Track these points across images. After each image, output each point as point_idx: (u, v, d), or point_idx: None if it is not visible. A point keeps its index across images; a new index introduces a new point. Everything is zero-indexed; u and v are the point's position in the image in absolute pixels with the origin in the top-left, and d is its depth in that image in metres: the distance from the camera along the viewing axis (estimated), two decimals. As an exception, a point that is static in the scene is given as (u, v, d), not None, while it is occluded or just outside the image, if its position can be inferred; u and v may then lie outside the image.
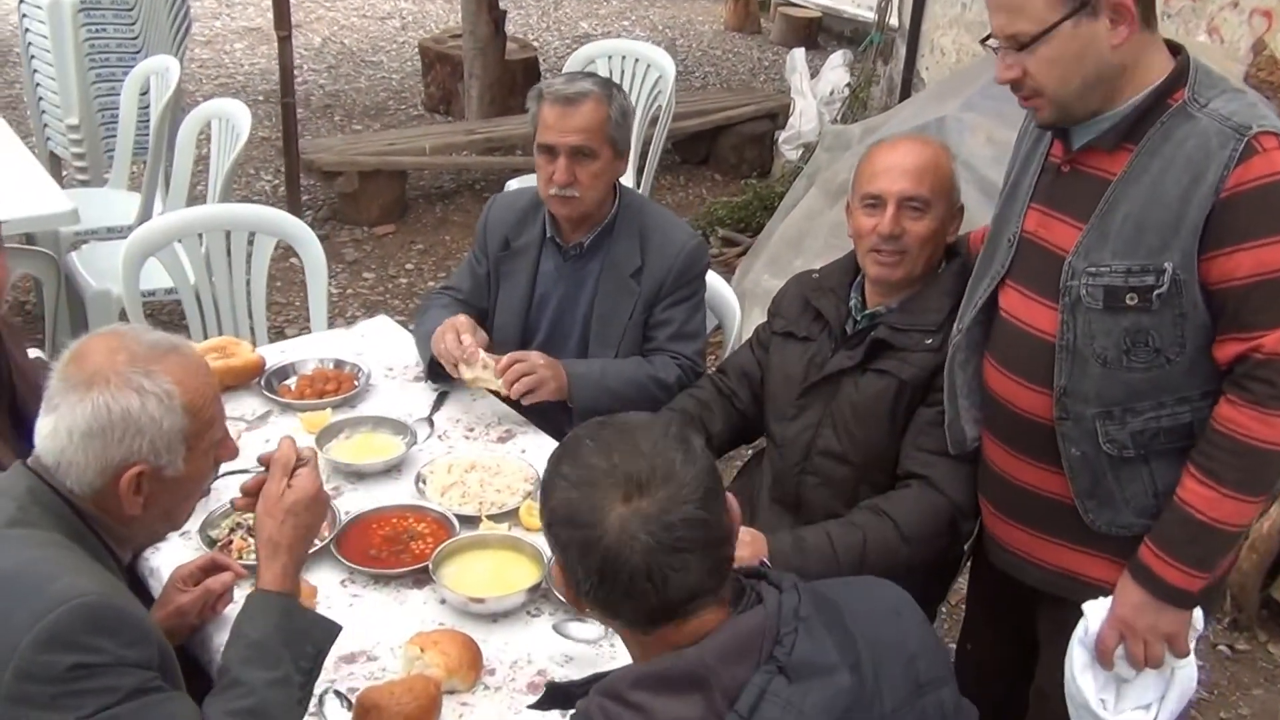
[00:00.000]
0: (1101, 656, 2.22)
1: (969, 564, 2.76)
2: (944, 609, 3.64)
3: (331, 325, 3.66)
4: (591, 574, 1.51)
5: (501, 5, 7.96)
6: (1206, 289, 2.03)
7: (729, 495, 1.57)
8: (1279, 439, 2.00)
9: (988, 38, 2.13)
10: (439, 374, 3.01)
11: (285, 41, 6.04)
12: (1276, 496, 3.94)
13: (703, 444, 1.57)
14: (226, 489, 2.52)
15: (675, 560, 1.47)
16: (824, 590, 1.63)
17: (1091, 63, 2.04)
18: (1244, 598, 3.94)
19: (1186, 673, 2.20)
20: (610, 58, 5.94)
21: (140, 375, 1.78)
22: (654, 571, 1.47)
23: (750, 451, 3.16)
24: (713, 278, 3.44)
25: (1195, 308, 2.04)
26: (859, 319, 2.68)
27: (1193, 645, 2.18)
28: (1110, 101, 2.09)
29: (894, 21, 7.51)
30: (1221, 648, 3.91)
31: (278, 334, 5.21)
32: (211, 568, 2.20)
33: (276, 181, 7.20)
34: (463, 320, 2.93)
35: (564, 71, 4.83)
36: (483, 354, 2.82)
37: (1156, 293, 2.04)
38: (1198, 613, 2.17)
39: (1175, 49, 2.12)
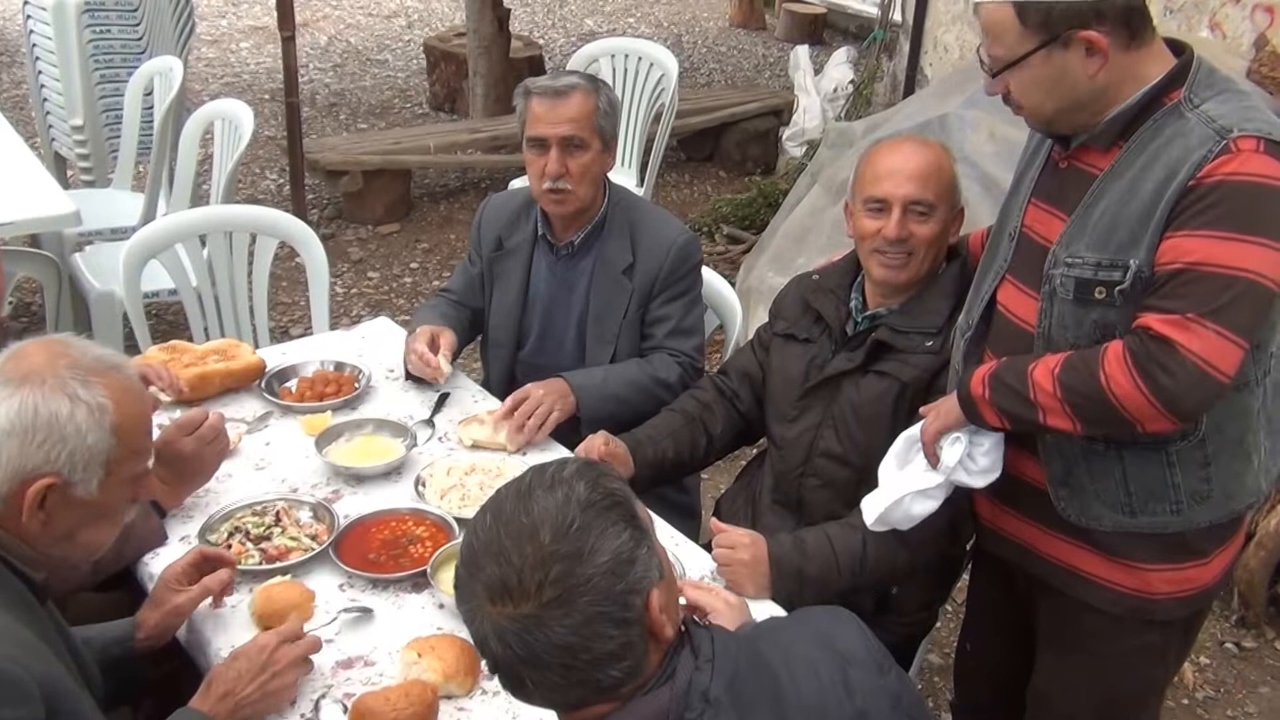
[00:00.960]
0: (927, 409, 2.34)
1: (970, 564, 2.76)
2: (948, 608, 3.64)
3: (337, 325, 3.66)
4: (478, 650, 1.49)
5: (506, 3, 7.96)
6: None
7: (653, 598, 1.43)
8: (1129, 401, 1.96)
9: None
10: (417, 378, 3.05)
11: (289, 41, 6.05)
12: (1256, 499, 3.93)
13: (614, 551, 1.41)
14: (226, 494, 2.54)
15: (534, 674, 1.42)
16: (764, 648, 1.57)
17: (1067, 88, 2.06)
18: (1251, 595, 3.93)
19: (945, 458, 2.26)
20: (613, 56, 5.93)
21: (77, 383, 1.73)
22: (511, 674, 1.44)
23: (755, 452, 3.16)
24: (714, 277, 3.44)
25: None
26: (859, 321, 2.67)
27: (946, 444, 2.24)
28: (1099, 115, 2.09)
29: (897, 18, 7.50)
30: (1228, 645, 3.90)
31: (283, 334, 5.23)
32: (202, 563, 2.19)
33: (281, 181, 7.22)
34: (425, 332, 2.98)
35: (565, 69, 4.84)
36: (480, 414, 2.88)
37: (1119, 289, 2.03)
38: (983, 441, 2.23)
39: (1180, 48, 2.11)
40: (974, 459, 2.24)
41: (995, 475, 2.25)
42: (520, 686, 1.45)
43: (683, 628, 1.52)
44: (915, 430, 2.34)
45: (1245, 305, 1.94)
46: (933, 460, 2.27)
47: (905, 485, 2.30)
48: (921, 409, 2.36)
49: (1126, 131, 2.07)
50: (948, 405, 2.24)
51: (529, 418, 2.79)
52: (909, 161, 2.55)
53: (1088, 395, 2.01)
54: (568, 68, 5.11)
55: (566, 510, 1.42)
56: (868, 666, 1.60)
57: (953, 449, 2.23)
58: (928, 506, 2.30)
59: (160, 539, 2.41)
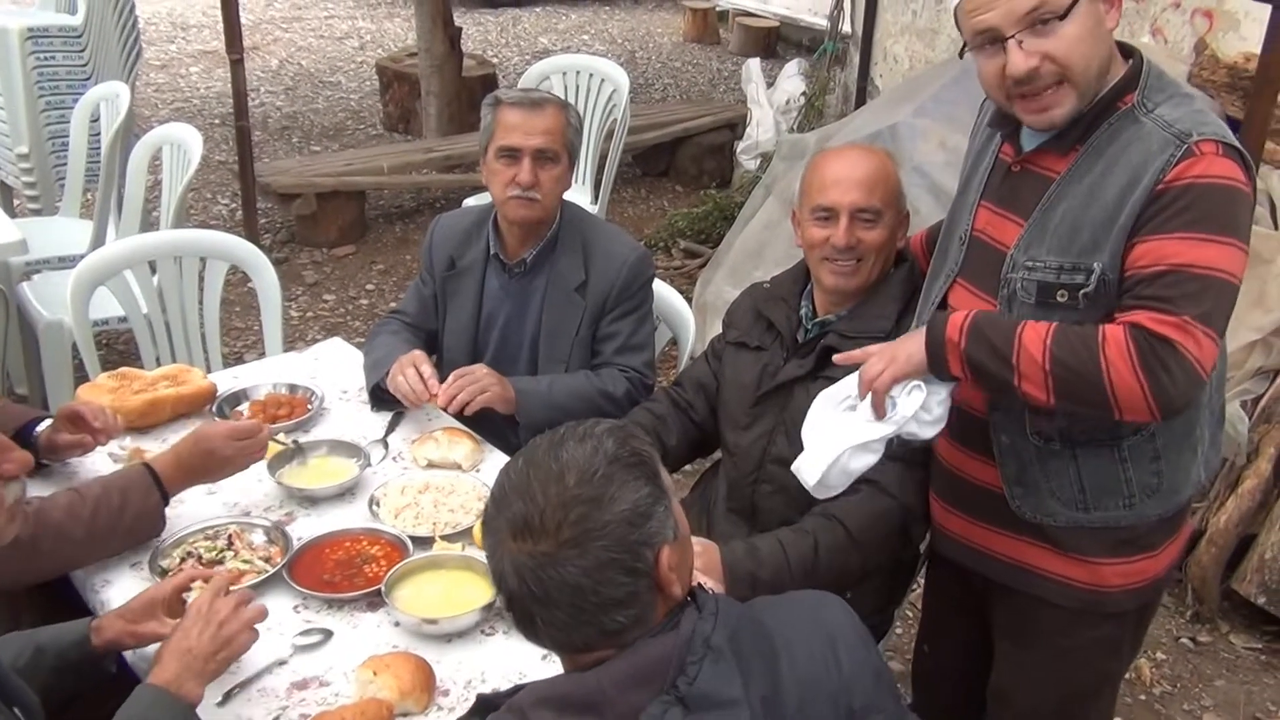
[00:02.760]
0: (850, 359, 2.26)
1: (925, 568, 2.78)
2: (908, 614, 3.66)
3: (293, 349, 3.64)
4: (499, 594, 1.56)
5: (461, 23, 7.97)
6: (1121, 277, 2.03)
7: (664, 555, 1.50)
8: (1125, 391, 1.96)
9: (982, 37, 2.06)
10: (382, 402, 3.01)
11: (238, 65, 6.02)
12: (1233, 489, 3.99)
13: (634, 502, 1.49)
14: (177, 519, 2.52)
15: (543, 611, 1.49)
16: (763, 616, 1.61)
17: (1102, 43, 2.04)
18: (1204, 591, 3.97)
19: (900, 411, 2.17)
20: (565, 73, 5.95)
21: None
22: (523, 611, 1.52)
23: (709, 462, 3.16)
24: (667, 291, 3.44)
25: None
26: (810, 328, 2.69)
27: (902, 394, 2.15)
28: (1095, 95, 2.07)
29: (847, 29, 7.56)
30: (1184, 640, 3.94)
31: (237, 360, 5.17)
32: (187, 588, 2.17)
33: (234, 205, 7.18)
34: (419, 354, 2.96)
35: (519, 87, 4.84)
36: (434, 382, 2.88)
37: (1083, 292, 2.05)
38: (940, 390, 2.16)
39: (1128, 51, 2.14)
40: (928, 408, 2.16)
41: (943, 425, 2.19)
42: (530, 624, 1.52)
43: (691, 591, 1.59)
44: (841, 387, 2.26)
45: (1223, 305, 1.98)
46: (880, 411, 2.17)
47: (844, 440, 2.19)
48: (839, 357, 2.32)
49: (1084, 135, 2.09)
50: (906, 352, 2.15)
51: (466, 384, 2.83)
52: (854, 169, 2.57)
53: (1080, 374, 1.98)
54: (519, 85, 5.12)
55: (594, 460, 1.51)
56: (853, 642, 1.64)
57: (910, 399, 2.15)
58: (867, 461, 2.21)
59: (159, 526, 2.42)
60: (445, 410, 2.86)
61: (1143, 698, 3.69)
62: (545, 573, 1.46)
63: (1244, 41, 5.13)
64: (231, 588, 2.16)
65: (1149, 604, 2.42)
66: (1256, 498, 3.92)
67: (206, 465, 2.49)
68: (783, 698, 1.53)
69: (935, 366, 2.13)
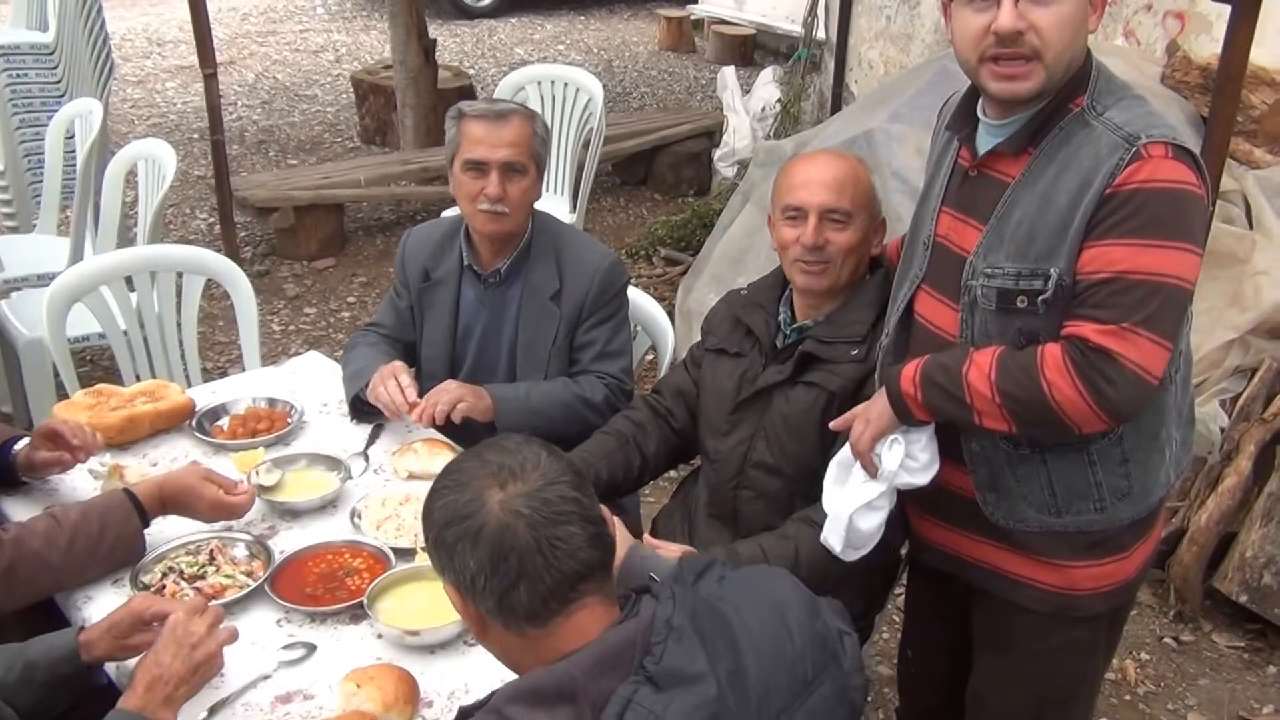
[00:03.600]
0: (841, 425, 2.35)
1: (905, 572, 2.78)
2: (895, 619, 3.67)
3: (274, 363, 3.63)
4: (484, 565, 1.56)
5: (436, 34, 7.97)
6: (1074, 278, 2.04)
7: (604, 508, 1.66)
8: (1070, 407, 2.00)
9: None
10: (362, 413, 3.01)
11: (211, 79, 6.01)
12: (1213, 488, 4.01)
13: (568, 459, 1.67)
14: (158, 534, 2.50)
15: (559, 531, 1.56)
16: (716, 595, 1.66)
17: (1079, 37, 2.04)
18: (1186, 590, 3.99)
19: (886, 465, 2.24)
20: (539, 83, 5.95)
21: None
22: (542, 544, 1.55)
23: (690, 468, 3.16)
24: (645, 300, 3.45)
25: None
26: (788, 333, 2.70)
27: (885, 449, 2.23)
28: (1042, 97, 2.08)
29: (821, 36, 7.59)
30: (1167, 640, 3.95)
31: (220, 374, 5.17)
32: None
33: (213, 220, 7.16)
34: (399, 365, 2.96)
35: (489, 98, 4.84)
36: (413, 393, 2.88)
37: (1042, 298, 2.06)
38: (919, 437, 2.23)
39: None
40: (914, 457, 2.23)
41: (936, 467, 2.24)
42: (550, 555, 1.55)
43: (650, 576, 1.71)
44: (845, 453, 2.33)
45: (1171, 310, 1.99)
46: (870, 470, 2.25)
47: (850, 504, 2.28)
48: (834, 424, 2.38)
49: (1035, 138, 2.09)
50: (877, 409, 2.23)
51: (438, 397, 2.85)
52: (824, 171, 2.59)
53: (1028, 402, 2.03)
54: (494, 96, 5.12)
55: (530, 442, 1.67)
56: (801, 613, 1.71)
57: (892, 453, 2.22)
58: (876, 519, 2.29)
59: (139, 551, 2.40)
60: (423, 425, 2.86)
61: (1127, 698, 3.70)
62: (547, 493, 1.57)
63: (1216, 43, 5.15)
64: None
65: (1122, 606, 2.43)
66: (1237, 496, 3.94)
67: (180, 501, 2.47)
68: (746, 671, 1.58)
69: (904, 418, 2.20)
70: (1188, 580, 3.97)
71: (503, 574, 1.55)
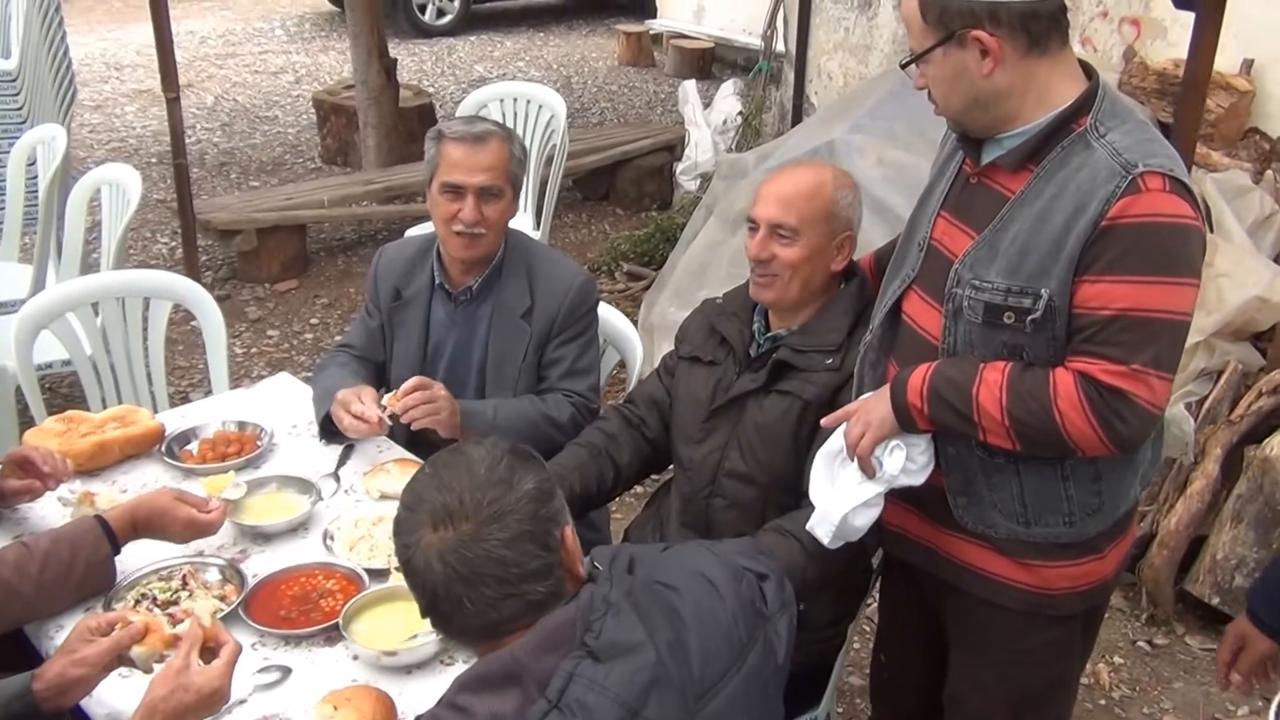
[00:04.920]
0: (833, 421, 2.35)
1: (879, 577, 2.79)
2: (866, 628, 3.68)
3: (238, 386, 3.61)
4: (414, 590, 1.68)
5: (396, 53, 7.95)
6: (1069, 310, 2.07)
7: (568, 533, 1.71)
8: (1082, 439, 2.05)
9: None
10: (332, 434, 2.99)
11: (174, 103, 5.97)
12: (1182, 491, 4.04)
13: (537, 484, 1.68)
14: (130, 560, 2.48)
15: (471, 591, 1.61)
16: (653, 574, 1.75)
17: (966, 87, 2.10)
18: (1159, 593, 4.02)
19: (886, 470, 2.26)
20: (502, 100, 5.96)
21: None
22: (449, 597, 1.62)
23: (662, 478, 3.16)
24: (613, 314, 3.45)
25: (1066, 334, 2.08)
26: (762, 342, 2.71)
27: (885, 454, 2.24)
28: (1010, 121, 2.12)
29: (781, 48, 7.63)
30: (1141, 644, 3.97)
31: (182, 399, 5.13)
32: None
33: (174, 244, 7.12)
34: (355, 392, 2.91)
35: (458, 116, 4.83)
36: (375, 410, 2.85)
37: (1030, 318, 2.08)
38: (918, 441, 2.25)
39: (1089, 71, 2.16)
40: (912, 460, 2.24)
41: (931, 467, 2.26)
42: (456, 611, 1.63)
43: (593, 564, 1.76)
44: (833, 445, 2.34)
45: (1176, 345, 2.04)
46: (869, 471, 2.25)
47: (846, 501, 2.28)
48: (825, 420, 2.38)
49: (1035, 155, 2.11)
50: (879, 415, 2.23)
51: (422, 401, 2.82)
52: (783, 186, 2.63)
53: (1038, 429, 2.07)
54: (457, 114, 5.11)
55: (495, 453, 1.71)
56: (725, 580, 1.80)
57: (893, 458, 2.24)
58: (870, 515, 2.29)
59: (110, 579, 2.37)
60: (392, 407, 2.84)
61: (1102, 702, 3.72)
62: (470, 550, 1.60)
63: (1171, 48, 5.24)
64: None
65: (1097, 606, 2.46)
66: (1205, 499, 3.97)
67: (154, 523, 2.45)
68: (686, 642, 1.67)
69: (906, 427, 2.21)
70: (1159, 583, 4.00)
71: (425, 605, 1.67)
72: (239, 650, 1.98)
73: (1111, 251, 1.99)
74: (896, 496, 2.41)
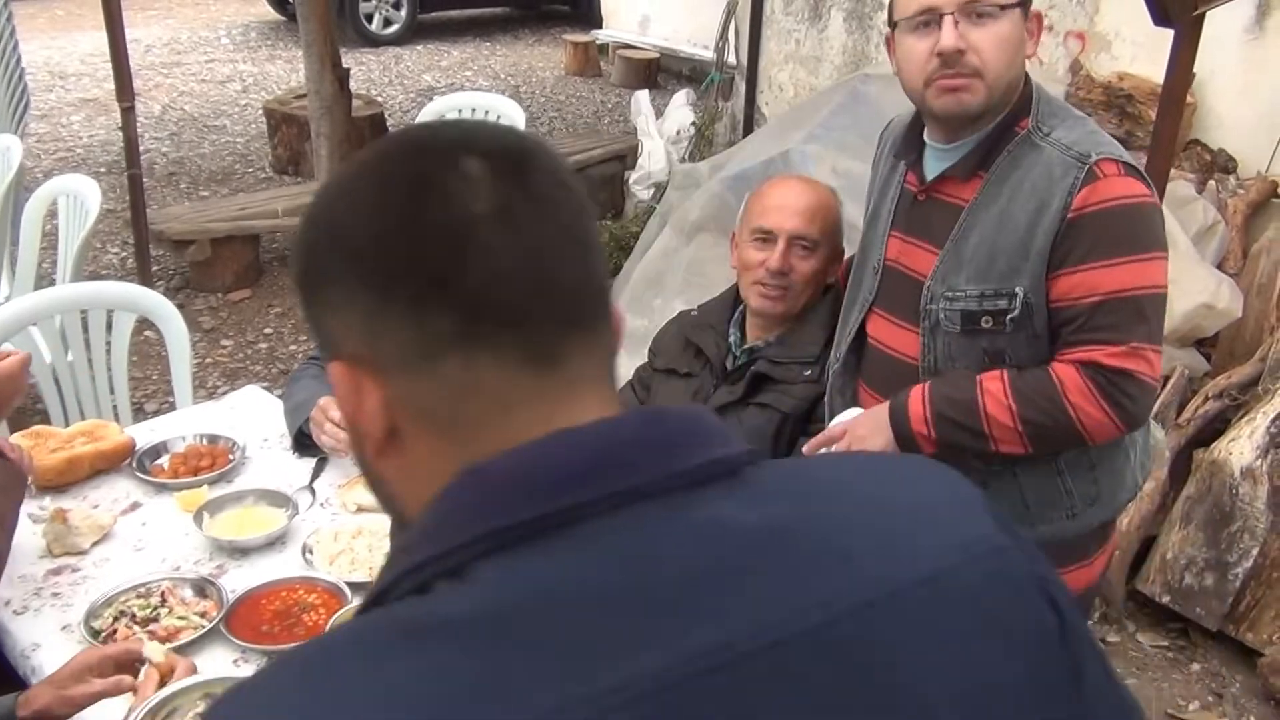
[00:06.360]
0: (817, 445, 2.33)
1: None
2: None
3: (193, 397, 3.60)
4: None
5: (344, 63, 7.91)
6: (1048, 306, 2.12)
7: None
8: (1095, 427, 2.10)
9: (921, 16, 2.10)
10: (305, 446, 2.98)
11: (129, 113, 5.92)
12: (1134, 494, 4.13)
13: None
14: (105, 578, 2.48)
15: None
16: None
17: (1017, 58, 2.11)
18: (1111, 592, 4.10)
19: None
20: (460, 111, 5.99)
21: None
22: None
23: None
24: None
25: (1046, 329, 2.13)
26: (739, 354, 2.73)
27: None
28: (992, 116, 2.14)
29: (733, 60, 7.69)
30: (1094, 642, 4.06)
31: (137, 410, 5.09)
32: (126, 660, 2.02)
33: (125, 254, 7.06)
34: (331, 400, 2.87)
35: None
36: None
37: (1009, 316, 2.12)
38: None
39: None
40: None
41: None
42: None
43: None
44: (820, 442, 2.33)
45: (1160, 316, 2.10)
46: None
47: None
48: (807, 448, 2.37)
49: (984, 162, 2.15)
50: (877, 445, 2.23)
51: None
52: (799, 198, 2.64)
53: (1052, 428, 2.11)
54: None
55: None
56: None
57: None
58: None
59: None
60: None
61: (1058, 699, 3.79)
62: None
63: (1115, 61, 5.35)
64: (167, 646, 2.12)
65: (1084, 611, 2.51)
66: (1155, 500, 4.07)
67: None
68: None
69: (909, 451, 2.20)
70: (1111, 583, 4.08)
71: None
72: (193, 669, 1.99)
73: (1084, 242, 2.05)
74: None
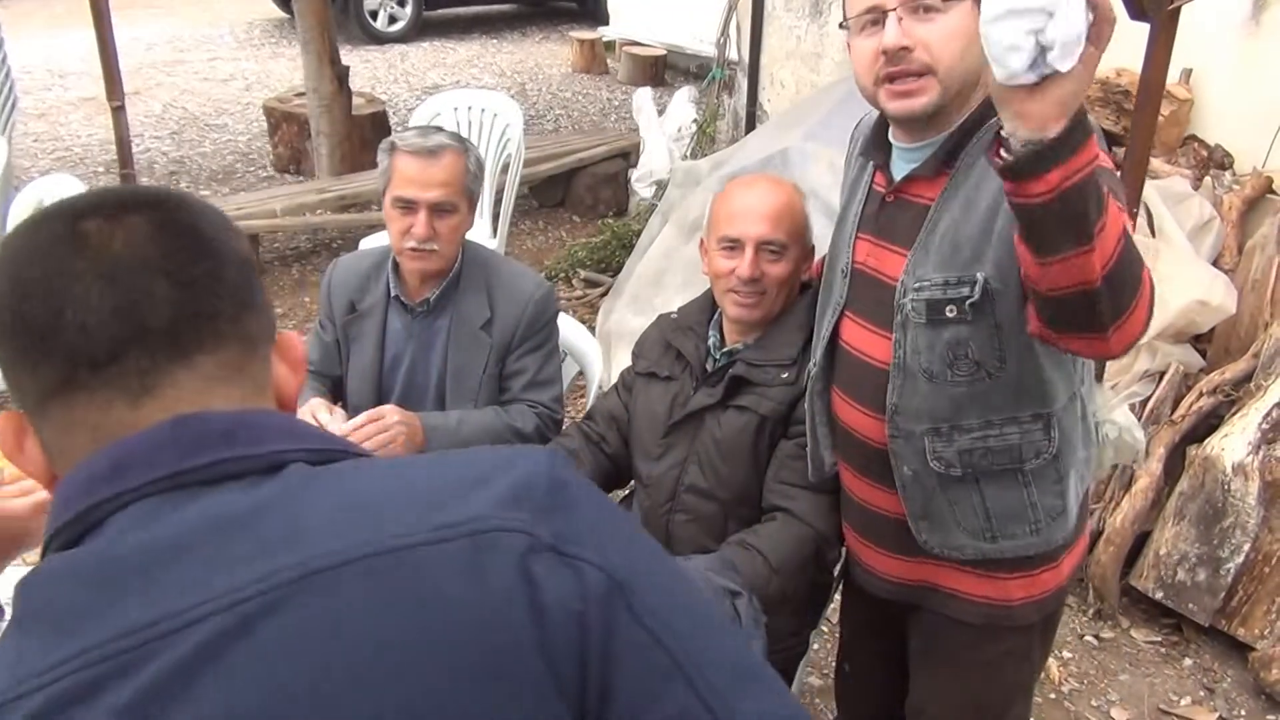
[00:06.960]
0: None
1: (840, 587, 2.81)
2: (824, 629, 3.73)
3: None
4: None
5: (348, 60, 7.94)
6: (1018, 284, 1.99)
7: None
8: (1149, 289, 1.82)
9: (866, 16, 2.02)
10: None
11: (119, 111, 5.92)
12: (1127, 489, 4.13)
13: None
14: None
15: None
16: None
17: (974, 50, 1.88)
18: (1104, 588, 4.10)
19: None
20: (456, 108, 5.97)
21: None
22: None
23: (622, 494, 3.18)
24: (572, 325, 3.46)
25: (1010, 321, 2.04)
26: (718, 357, 2.72)
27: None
28: (952, 118, 2.08)
29: (734, 56, 7.68)
30: (1088, 638, 4.06)
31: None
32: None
33: (125, 254, 7.06)
34: (317, 403, 2.90)
35: (411, 125, 4.83)
36: (340, 424, 2.80)
37: (969, 302, 2.04)
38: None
39: None
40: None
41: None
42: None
43: None
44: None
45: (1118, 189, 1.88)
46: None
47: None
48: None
49: (950, 159, 2.11)
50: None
51: (375, 432, 2.77)
52: (762, 202, 2.60)
53: (1131, 265, 1.79)
54: (410, 123, 5.12)
55: None
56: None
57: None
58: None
59: None
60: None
61: (1052, 696, 3.80)
62: None
63: (1113, 57, 5.32)
64: None
65: (1053, 613, 2.45)
66: (1149, 496, 4.06)
67: None
68: None
69: (1040, 158, 1.68)
70: (1106, 579, 4.09)
71: None
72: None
73: None
74: (853, 528, 2.43)
